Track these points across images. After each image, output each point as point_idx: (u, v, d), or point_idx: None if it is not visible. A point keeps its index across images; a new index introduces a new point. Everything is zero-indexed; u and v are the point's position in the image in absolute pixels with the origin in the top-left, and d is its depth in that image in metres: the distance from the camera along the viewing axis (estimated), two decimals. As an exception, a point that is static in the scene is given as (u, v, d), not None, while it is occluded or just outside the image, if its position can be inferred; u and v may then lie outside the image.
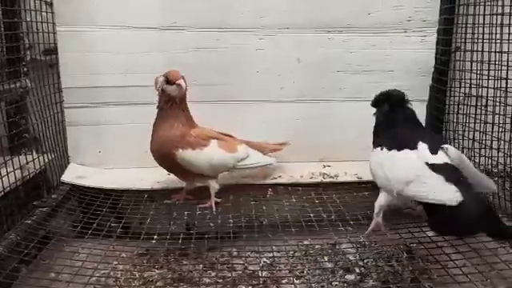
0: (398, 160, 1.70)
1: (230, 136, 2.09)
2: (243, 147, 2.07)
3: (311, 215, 1.93)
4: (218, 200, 2.02)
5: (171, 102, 1.91)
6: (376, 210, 1.80)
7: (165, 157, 1.91)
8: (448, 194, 1.49)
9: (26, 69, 2.05)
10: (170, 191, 2.11)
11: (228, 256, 1.74)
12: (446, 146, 1.67)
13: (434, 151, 1.65)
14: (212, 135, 2.00)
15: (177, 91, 1.89)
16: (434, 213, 1.58)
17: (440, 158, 1.63)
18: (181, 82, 1.87)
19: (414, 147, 1.69)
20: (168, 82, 1.88)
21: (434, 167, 1.59)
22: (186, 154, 1.90)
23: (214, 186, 2.01)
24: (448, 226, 1.54)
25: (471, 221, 1.47)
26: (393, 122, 1.86)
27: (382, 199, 1.78)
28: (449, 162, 1.61)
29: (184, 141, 1.90)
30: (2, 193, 1.69)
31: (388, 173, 1.71)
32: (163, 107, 1.92)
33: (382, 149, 1.78)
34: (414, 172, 1.62)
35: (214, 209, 1.98)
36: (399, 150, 1.72)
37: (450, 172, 1.57)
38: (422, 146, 1.68)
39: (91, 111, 2.18)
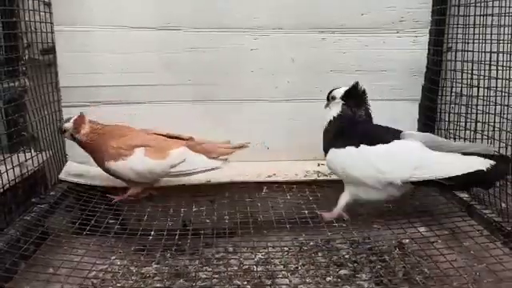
0: (397, 150, 1.81)
1: (179, 138, 2.07)
2: (178, 152, 2.01)
3: (306, 212, 1.96)
4: (131, 198, 2.06)
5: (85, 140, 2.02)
6: (342, 204, 1.91)
7: (102, 169, 2.03)
8: (479, 163, 1.68)
9: (24, 68, 2.07)
10: (168, 189, 2.14)
11: (224, 252, 1.76)
12: (407, 132, 1.86)
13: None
14: (138, 143, 2.00)
15: (84, 137, 2.00)
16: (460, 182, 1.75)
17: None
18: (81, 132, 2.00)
19: (397, 138, 1.83)
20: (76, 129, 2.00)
21: None
22: (111, 166, 1.98)
23: (134, 190, 2.06)
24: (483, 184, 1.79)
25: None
26: (359, 118, 1.96)
27: (347, 195, 1.91)
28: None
29: (107, 153, 1.98)
30: (1, 190, 1.70)
31: (383, 166, 1.80)
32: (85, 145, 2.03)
33: (357, 146, 1.85)
34: (425, 156, 1.77)
35: (115, 200, 2.04)
36: (386, 142, 1.83)
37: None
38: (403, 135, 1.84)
39: (88, 110, 2.19)
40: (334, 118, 1.98)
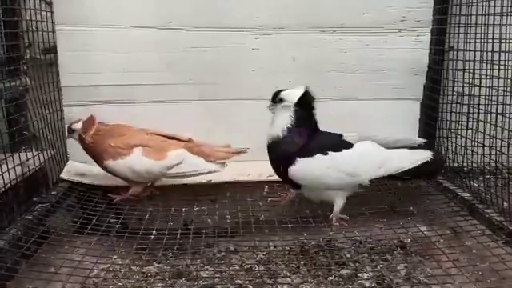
0: (363, 153, 1.89)
1: (177, 139, 2.06)
2: (176, 153, 2.00)
3: (307, 211, 1.96)
4: (132, 197, 2.06)
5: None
6: (338, 212, 1.91)
7: (101, 168, 2.03)
8: (425, 153, 1.95)
9: (25, 67, 2.07)
10: (170, 188, 2.14)
11: (225, 251, 1.76)
12: (347, 134, 1.94)
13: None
14: (137, 143, 2.00)
15: (90, 138, 2.00)
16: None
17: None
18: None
19: (346, 142, 1.92)
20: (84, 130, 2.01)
21: None
22: (109, 164, 1.98)
23: (135, 189, 2.06)
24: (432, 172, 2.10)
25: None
26: (314, 125, 1.94)
27: (341, 201, 1.90)
28: None
29: (106, 152, 1.98)
30: (3, 189, 1.70)
31: (354, 169, 1.86)
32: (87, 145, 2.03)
33: (325, 154, 1.86)
34: (384, 154, 1.91)
35: (117, 199, 2.05)
36: (347, 148, 1.89)
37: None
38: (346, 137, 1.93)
39: (89, 109, 2.19)
40: (290, 126, 1.86)
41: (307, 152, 1.85)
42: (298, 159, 1.84)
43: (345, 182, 1.86)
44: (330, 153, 1.85)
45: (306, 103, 1.88)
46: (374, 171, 1.88)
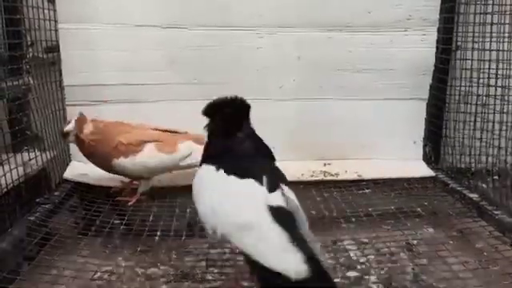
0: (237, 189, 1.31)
1: (175, 132, 2.06)
2: (185, 145, 2.01)
3: (313, 212, 1.94)
4: (142, 198, 2.05)
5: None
6: None
7: (106, 168, 1.99)
8: (293, 264, 1.09)
9: (27, 66, 2.05)
10: (171, 188, 2.12)
11: (230, 253, 1.74)
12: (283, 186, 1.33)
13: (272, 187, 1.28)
14: (146, 138, 1.99)
15: (88, 136, 1.95)
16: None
17: (278, 199, 1.26)
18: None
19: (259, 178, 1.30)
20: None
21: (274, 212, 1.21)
22: (120, 163, 1.95)
23: (146, 184, 2.05)
24: None
25: None
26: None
27: None
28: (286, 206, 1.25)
29: (117, 150, 1.94)
30: (5, 189, 1.69)
31: (217, 205, 1.29)
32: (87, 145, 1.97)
33: (218, 168, 1.37)
34: (254, 215, 1.21)
35: (131, 203, 2.02)
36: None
37: (291, 226, 1.20)
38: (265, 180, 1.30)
39: (93, 109, 2.17)
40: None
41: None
42: None
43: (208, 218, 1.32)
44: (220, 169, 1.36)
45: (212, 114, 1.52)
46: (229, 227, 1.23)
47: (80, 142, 1.96)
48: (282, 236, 1.14)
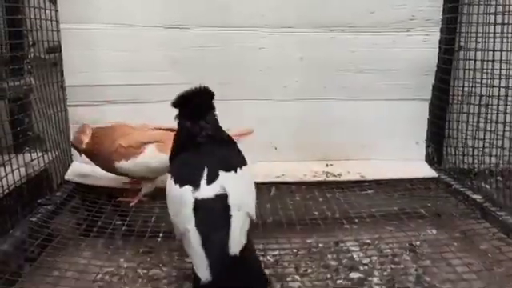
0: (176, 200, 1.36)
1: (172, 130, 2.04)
2: None
3: (316, 213, 1.94)
4: (144, 199, 2.04)
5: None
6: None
7: (110, 171, 1.99)
8: (202, 269, 1.20)
9: (29, 66, 2.04)
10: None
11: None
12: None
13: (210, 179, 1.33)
14: (147, 139, 1.98)
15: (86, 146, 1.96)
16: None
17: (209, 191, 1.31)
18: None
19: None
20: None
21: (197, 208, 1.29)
22: (122, 166, 1.94)
23: (149, 186, 2.04)
24: None
25: None
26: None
27: None
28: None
29: (117, 153, 1.93)
30: (7, 190, 1.68)
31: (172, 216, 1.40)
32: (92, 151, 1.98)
33: (171, 177, 1.42)
34: (185, 224, 1.29)
35: (133, 204, 2.01)
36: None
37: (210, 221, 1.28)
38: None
39: (94, 109, 2.17)
40: None
41: None
42: None
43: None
44: None
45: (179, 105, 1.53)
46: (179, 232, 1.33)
47: (83, 152, 1.99)
48: (198, 241, 1.23)
